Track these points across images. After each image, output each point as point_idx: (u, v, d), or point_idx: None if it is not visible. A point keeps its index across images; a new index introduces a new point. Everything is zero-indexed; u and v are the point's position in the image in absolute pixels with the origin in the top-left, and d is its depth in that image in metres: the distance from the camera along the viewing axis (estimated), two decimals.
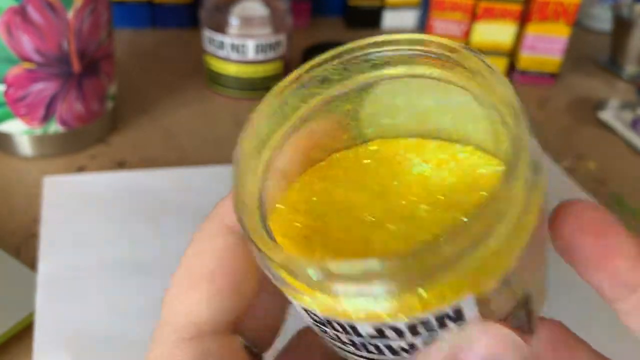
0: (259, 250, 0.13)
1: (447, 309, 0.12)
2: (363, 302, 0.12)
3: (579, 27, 0.78)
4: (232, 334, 0.15)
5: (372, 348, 0.14)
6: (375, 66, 0.16)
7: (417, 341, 0.13)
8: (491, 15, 0.58)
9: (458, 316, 0.12)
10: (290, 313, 0.17)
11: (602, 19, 0.77)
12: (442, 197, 0.15)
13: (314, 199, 0.16)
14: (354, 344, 0.14)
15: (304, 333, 0.19)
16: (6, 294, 0.29)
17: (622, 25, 0.65)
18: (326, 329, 0.14)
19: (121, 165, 0.42)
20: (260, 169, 0.15)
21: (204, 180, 0.40)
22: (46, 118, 0.41)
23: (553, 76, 0.61)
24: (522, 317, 0.14)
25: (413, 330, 0.12)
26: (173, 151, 0.44)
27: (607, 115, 0.55)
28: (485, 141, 0.16)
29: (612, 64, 0.67)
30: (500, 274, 0.12)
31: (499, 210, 0.12)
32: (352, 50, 0.16)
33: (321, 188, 0.16)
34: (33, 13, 0.38)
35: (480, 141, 0.16)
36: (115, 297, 0.31)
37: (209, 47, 0.51)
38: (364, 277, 0.12)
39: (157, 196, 0.38)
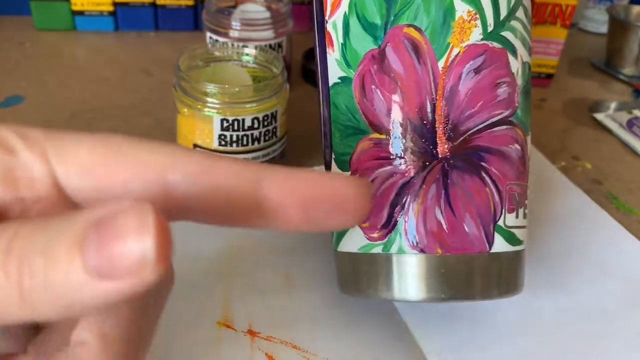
0: None
1: None
2: None
3: (575, 28, 0.78)
4: None
5: None
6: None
7: None
8: None
9: None
10: None
11: (598, 21, 0.78)
12: None
13: None
14: None
15: None
16: None
17: (618, 27, 0.65)
18: None
19: None
20: None
21: None
22: (388, 227, 0.27)
23: (549, 77, 0.62)
24: None
25: None
26: None
27: (603, 116, 0.56)
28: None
29: (608, 66, 0.67)
30: None
31: None
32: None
33: None
34: (392, 56, 0.26)
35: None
36: None
37: None
38: None
39: None
